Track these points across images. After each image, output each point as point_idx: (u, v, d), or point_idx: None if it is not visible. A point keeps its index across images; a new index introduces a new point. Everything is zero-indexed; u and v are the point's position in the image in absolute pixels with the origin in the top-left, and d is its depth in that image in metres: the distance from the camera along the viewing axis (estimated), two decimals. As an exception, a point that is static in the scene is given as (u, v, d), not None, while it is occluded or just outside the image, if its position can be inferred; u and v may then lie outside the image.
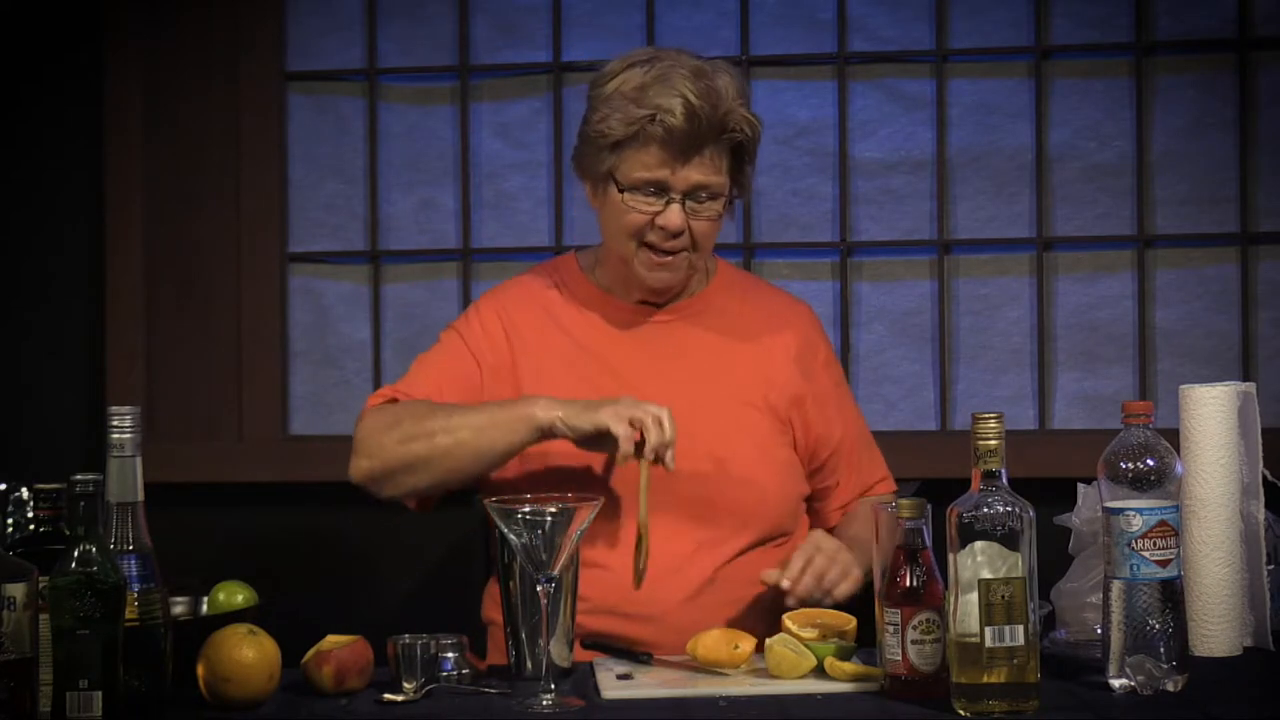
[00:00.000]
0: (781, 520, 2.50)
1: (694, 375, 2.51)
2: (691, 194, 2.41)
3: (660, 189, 2.40)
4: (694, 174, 2.40)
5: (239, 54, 3.44)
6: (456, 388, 2.50)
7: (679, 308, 2.55)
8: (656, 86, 2.38)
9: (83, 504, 1.87)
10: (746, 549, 2.45)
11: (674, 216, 2.40)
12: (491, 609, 2.49)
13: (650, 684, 2.06)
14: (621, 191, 2.42)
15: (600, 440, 2.28)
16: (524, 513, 1.99)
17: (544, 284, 2.58)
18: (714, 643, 2.13)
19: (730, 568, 2.44)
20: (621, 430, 2.25)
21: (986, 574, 1.88)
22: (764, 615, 2.31)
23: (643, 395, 2.47)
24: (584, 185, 2.51)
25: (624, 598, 2.37)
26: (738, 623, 2.29)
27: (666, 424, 2.26)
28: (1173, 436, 2.13)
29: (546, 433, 2.31)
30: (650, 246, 2.43)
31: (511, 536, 2.00)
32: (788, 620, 2.14)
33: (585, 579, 2.37)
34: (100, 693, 1.82)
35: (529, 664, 2.11)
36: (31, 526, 2.21)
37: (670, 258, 2.44)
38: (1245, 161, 3.29)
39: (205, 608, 2.36)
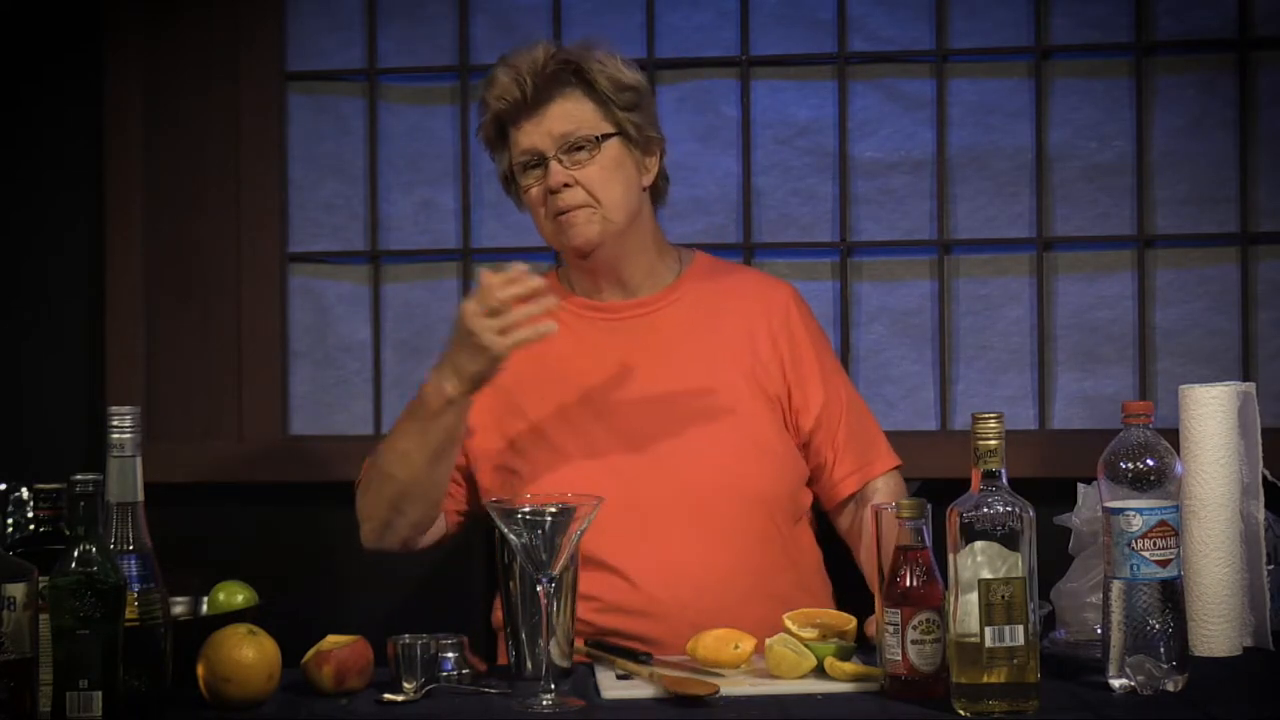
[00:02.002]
0: (783, 502, 2.50)
1: (677, 364, 2.51)
2: (564, 148, 2.47)
3: (537, 158, 2.49)
4: (552, 126, 2.48)
5: (239, 54, 3.44)
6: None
7: (653, 299, 2.56)
8: (493, 74, 2.53)
9: (83, 504, 1.87)
10: (753, 537, 2.45)
11: (553, 174, 2.47)
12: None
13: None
14: (517, 178, 2.52)
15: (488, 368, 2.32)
16: (524, 513, 1.99)
17: None
18: (714, 643, 2.13)
19: (737, 558, 2.43)
20: (484, 334, 2.29)
21: (986, 574, 1.88)
22: (775, 605, 2.28)
23: (628, 392, 2.50)
24: (518, 209, 2.61)
25: (634, 596, 2.38)
26: (749, 613, 2.28)
27: (484, 285, 2.30)
28: (1173, 436, 2.13)
29: (447, 395, 2.36)
30: (557, 215, 2.49)
31: (511, 536, 2.00)
32: (788, 620, 2.14)
33: (595, 579, 2.38)
34: (100, 693, 1.82)
35: (529, 664, 2.11)
36: (31, 526, 2.21)
37: (573, 213, 2.48)
38: (1245, 161, 3.29)
39: (205, 608, 2.36)
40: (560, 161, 2.47)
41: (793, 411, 2.54)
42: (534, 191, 2.50)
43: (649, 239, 2.57)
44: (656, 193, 2.59)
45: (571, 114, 2.48)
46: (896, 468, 2.60)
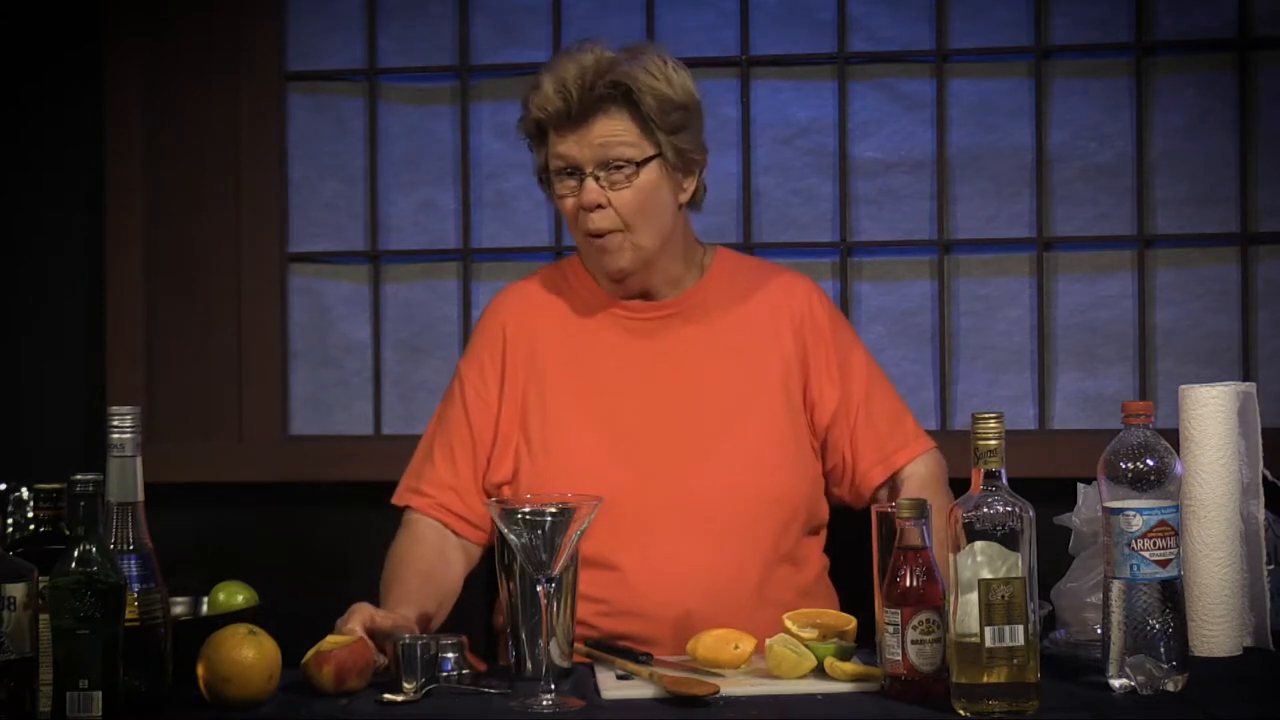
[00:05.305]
0: (798, 510, 2.48)
1: (697, 367, 2.50)
2: (604, 166, 2.44)
3: (574, 169, 2.45)
4: (592, 142, 2.44)
5: (239, 54, 3.44)
6: (468, 460, 2.52)
7: (677, 301, 2.54)
8: (540, 78, 2.48)
9: (83, 504, 1.86)
10: (764, 544, 2.44)
11: (587, 191, 2.44)
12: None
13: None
14: (553, 182, 2.48)
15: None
16: (524, 513, 1.99)
17: (548, 288, 2.59)
18: (714, 643, 2.12)
19: (745, 564, 2.42)
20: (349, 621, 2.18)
21: (986, 574, 1.88)
22: (780, 612, 2.25)
23: (646, 393, 2.48)
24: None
25: (638, 600, 2.38)
26: (753, 619, 2.27)
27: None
28: (1173, 436, 2.13)
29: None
30: (588, 235, 2.46)
31: (511, 536, 2.00)
32: (788, 620, 2.14)
33: (604, 582, 2.37)
34: (100, 693, 1.82)
35: (529, 664, 2.11)
36: (31, 526, 2.21)
37: (603, 239, 2.45)
38: (1245, 161, 3.29)
39: (205, 608, 2.36)
40: (596, 179, 2.43)
41: (808, 408, 2.52)
42: (568, 202, 2.47)
43: (678, 250, 2.54)
44: (693, 201, 2.55)
45: (613, 133, 2.44)
46: (929, 450, 2.54)
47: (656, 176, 2.46)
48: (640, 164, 2.44)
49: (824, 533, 2.56)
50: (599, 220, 2.44)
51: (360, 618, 2.16)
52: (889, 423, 2.54)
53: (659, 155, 2.45)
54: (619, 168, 2.43)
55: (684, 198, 2.51)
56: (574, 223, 2.48)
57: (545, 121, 2.46)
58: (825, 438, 2.52)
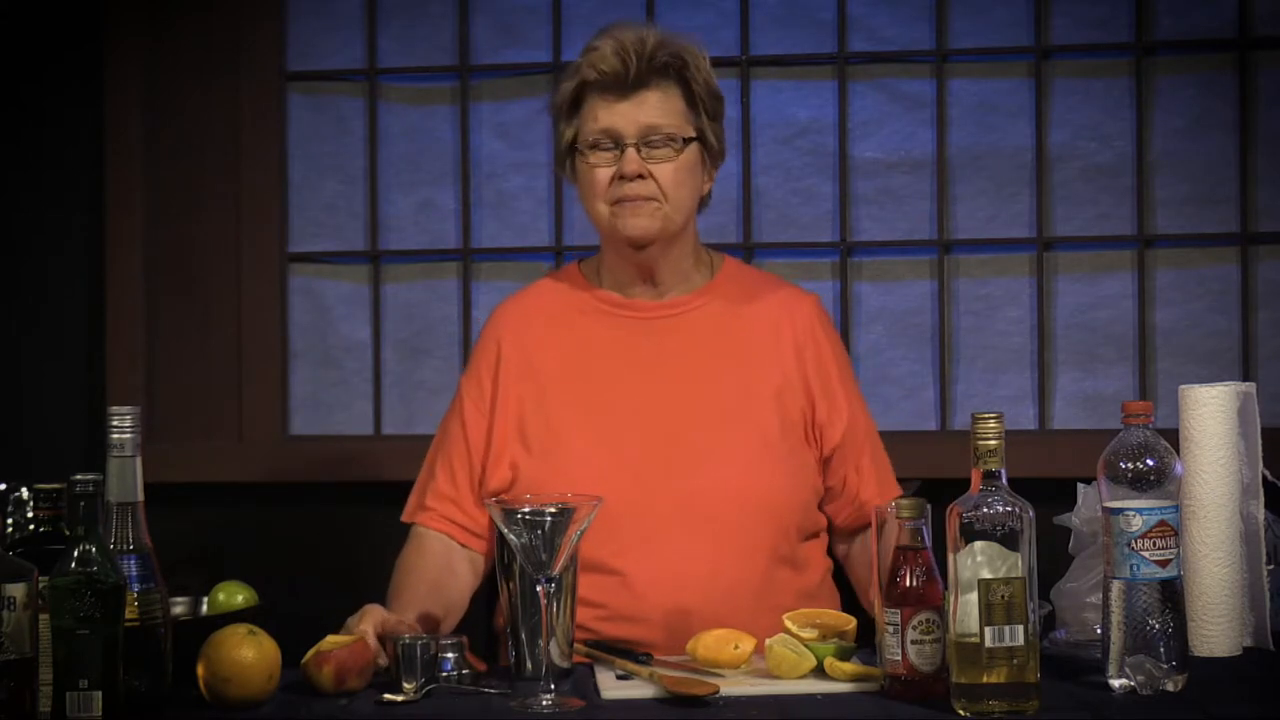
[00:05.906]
0: (795, 516, 2.48)
1: (700, 369, 2.50)
2: (646, 139, 2.44)
3: (614, 139, 2.44)
4: (640, 114, 2.44)
5: (239, 54, 3.44)
6: (465, 472, 2.52)
7: (682, 301, 2.54)
8: (593, 43, 2.47)
9: (83, 504, 1.86)
10: (763, 549, 2.44)
11: (629, 161, 2.43)
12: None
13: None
14: (583, 153, 2.46)
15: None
16: (524, 513, 1.99)
17: (545, 296, 2.59)
18: (714, 643, 2.12)
19: (744, 569, 2.42)
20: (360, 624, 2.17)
21: (986, 574, 1.88)
22: (780, 616, 2.27)
23: (648, 394, 2.48)
24: (567, 179, 2.56)
25: (638, 603, 2.37)
26: (754, 624, 2.26)
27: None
28: (1173, 436, 2.13)
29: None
30: (620, 201, 2.45)
31: (511, 536, 2.00)
32: (788, 620, 2.14)
33: (604, 586, 2.37)
34: (100, 693, 1.82)
35: (529, 664, 2.11)
36: (31, 526, 2.21)
37: (638, 203, 2.44)
38: (1245, 161, 3.30)
39: (205, 608, 2.36)
40: (638, 150, 2.44)
41: (816, 426, 2.52)
42: (600, 173, 2.45)
43: (690, 245, 2.54)
44: (702, 201, 2.56)
45: (664, 108, 2.45)
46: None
47: (695, 158, 2.48)
48: (685, 141, 2.46)
49: (824, 536, 2.56)
50: (638, 188, 2.44)
51: (371, 619, 2.16)
52: (884, 458, 2.59)
53: (700, 138, 2.47)
54: (661, 144, 2.44)
55: (706, 188, 2.53)
56: (599, 195, 2.46)
57: (595, 84, 2.45)
58: (830, 458, 2.53)
